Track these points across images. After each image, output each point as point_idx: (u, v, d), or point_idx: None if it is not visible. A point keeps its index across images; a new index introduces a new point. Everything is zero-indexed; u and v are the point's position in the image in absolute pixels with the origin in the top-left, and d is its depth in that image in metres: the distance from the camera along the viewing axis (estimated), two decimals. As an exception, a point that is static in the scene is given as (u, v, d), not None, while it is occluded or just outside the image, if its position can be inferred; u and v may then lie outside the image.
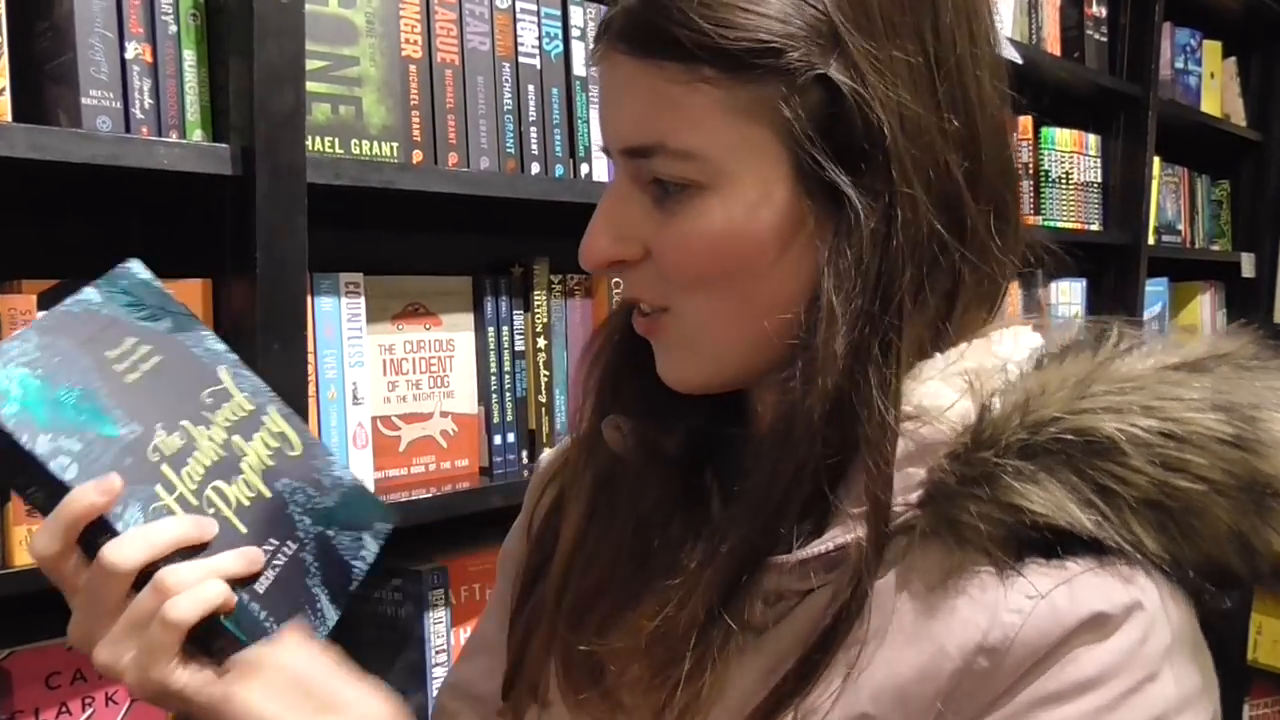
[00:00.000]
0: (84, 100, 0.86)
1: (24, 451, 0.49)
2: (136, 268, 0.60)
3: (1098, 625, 0.46)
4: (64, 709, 0.88)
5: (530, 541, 0.66)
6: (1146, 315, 2.39)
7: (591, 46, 0.56)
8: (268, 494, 0.57)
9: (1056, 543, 0.47)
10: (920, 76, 0.50)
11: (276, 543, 0.56)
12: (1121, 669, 0.46)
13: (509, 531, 0.73)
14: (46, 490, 0.50)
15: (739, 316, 0.53)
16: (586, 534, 0.60)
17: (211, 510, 0.53)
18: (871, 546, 0.48)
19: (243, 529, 0.54)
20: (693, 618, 0.51)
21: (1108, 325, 0.53)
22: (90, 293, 0.57)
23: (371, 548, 0.61)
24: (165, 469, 0.53)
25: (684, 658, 0.51)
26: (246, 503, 0.56)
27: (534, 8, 1.19)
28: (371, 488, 1.09)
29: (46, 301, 0.87)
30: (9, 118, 0.82)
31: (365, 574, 0.60)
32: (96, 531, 0.50)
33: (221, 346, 0.62)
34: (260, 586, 0.53)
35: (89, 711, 0.89)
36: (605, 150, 0.56)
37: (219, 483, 0.55)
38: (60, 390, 0.51)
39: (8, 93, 0.82)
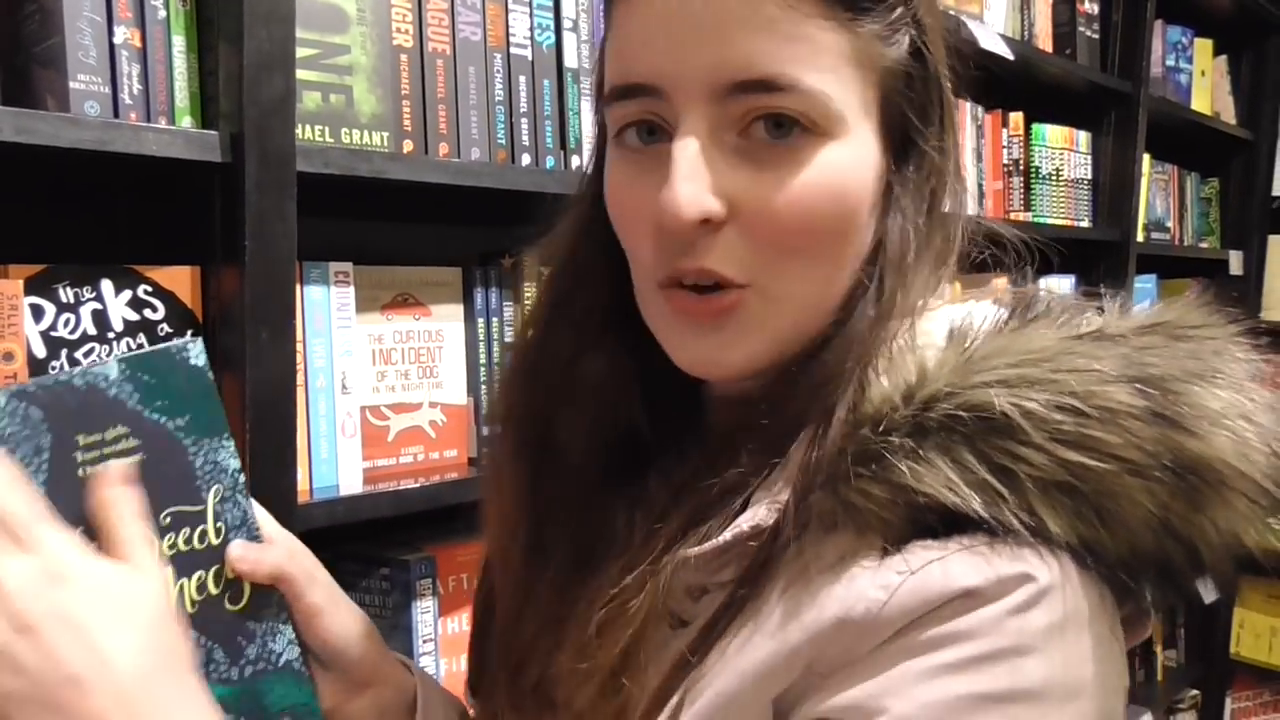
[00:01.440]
0: (72, 85, 0.86)
1: None
2: (195, 350, 0.55)
3: (967, 600, 0.43)
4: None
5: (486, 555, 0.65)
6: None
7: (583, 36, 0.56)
8: None
9: (952, 527, 0.44)
10: (946, 43, 0.53)
11: None
12: (988, 631, 0.42)
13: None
14: None
15: (828, 283, 0.50)
16: (524, 554, 0.58)
17: None
18: (770, 531, 0.47)
19: None
20: (641, 627, 0.50)
21: (1028, 297, 0.50)
22: (111, 368, 0.52)
23: None
24: None
25: (612, 655, 0.50)
26: None
27: (526, -2, 1.19)
28: (360, 478, 1.09)
29: (34, 287, 0.86)
30: (-4, 101, 0.81)
31: None
32: None
33: (234, 464, 0.56)
34: None
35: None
36: (634, 90, 0.49)
37: None
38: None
39: (-5, 76, 0.81)
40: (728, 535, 0.48)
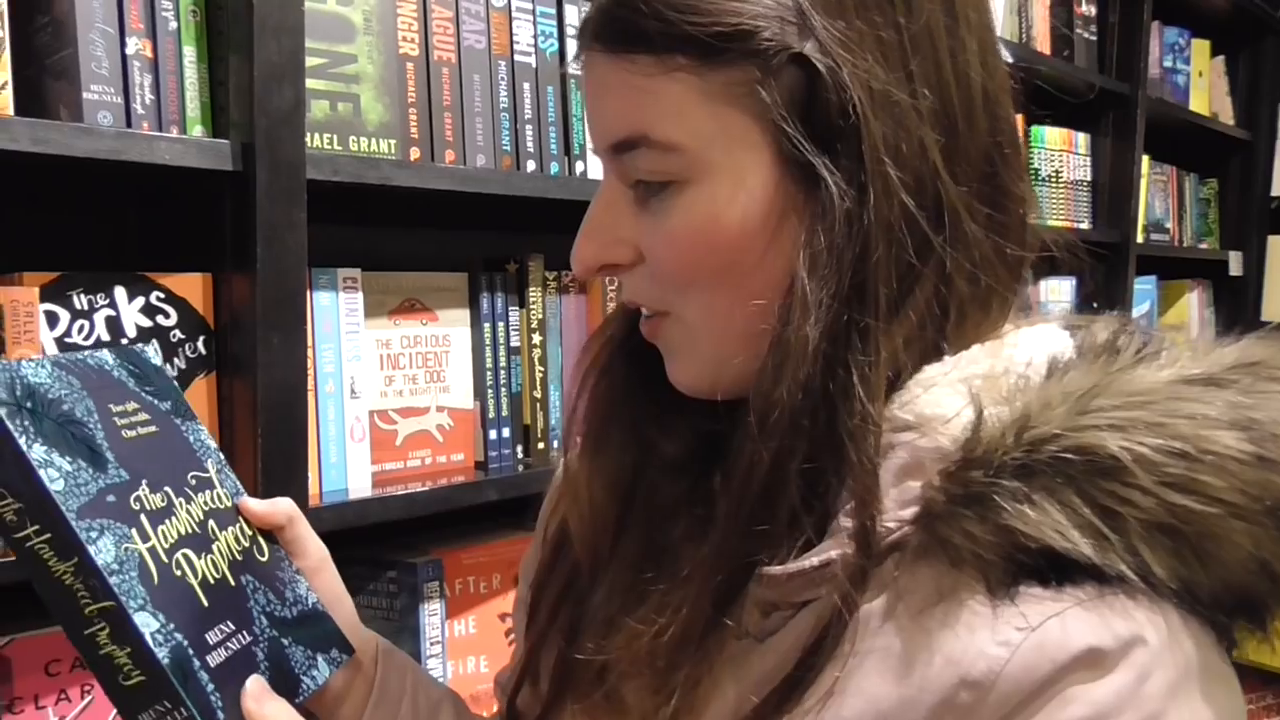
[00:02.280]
0: (85, 95, 0.87)
1: (15, 453, 0.48)
2: (150, 352, 0.62)
3: (1092, 662, 0.43)
4: (63, 696, 0.89)
5: (545, 551, 0.65)
6: (1135, 313, 2.41)
7: (573, 52, 0.57)
8: (232, 582, 0.56)
9: (1055, 568, 0.44)
10: (891, 51, 0.48)
11: (233, 627, 0.55)
12: (1119, 709, 0.42)
13: (532, 543, 0.72)
14: (25, 500, 0.49)
15: (735, 312, 0.51)
16: (595, 545, 0.59)
17: (179, 573, 0.53)
18: (856, 563, 0.46)
19: (205, 602, 0.54)
20: (687, 623, 0.50)
21: (1128, 330, 0.50)
22: (105, 355, 0.58)
23: (324, 670, 0.60)
24: (143, 519, 0.53)
25: (681, 663, 0.50)
26: (211, 581, 0.55)
27: (529, 6, 1.20)
28: (369, 481, 1.10)
29: (49, 294, 0.88)
30: (11, 112, 0.82)
31: (310, 694, 0.58)
32: (56, 536, 0.49)
33: (213, 444, 0.62)
34: (212, 659, 0.52)
35: (88, 699, 0.90)
36: (595, 152, 0.56)
37: (189, 551, 0.54)
38: (63, 414, 0.51)
39: (9, 87, 0.83)
40: (814, 560, 0.48)
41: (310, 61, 0.99)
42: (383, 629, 1.17)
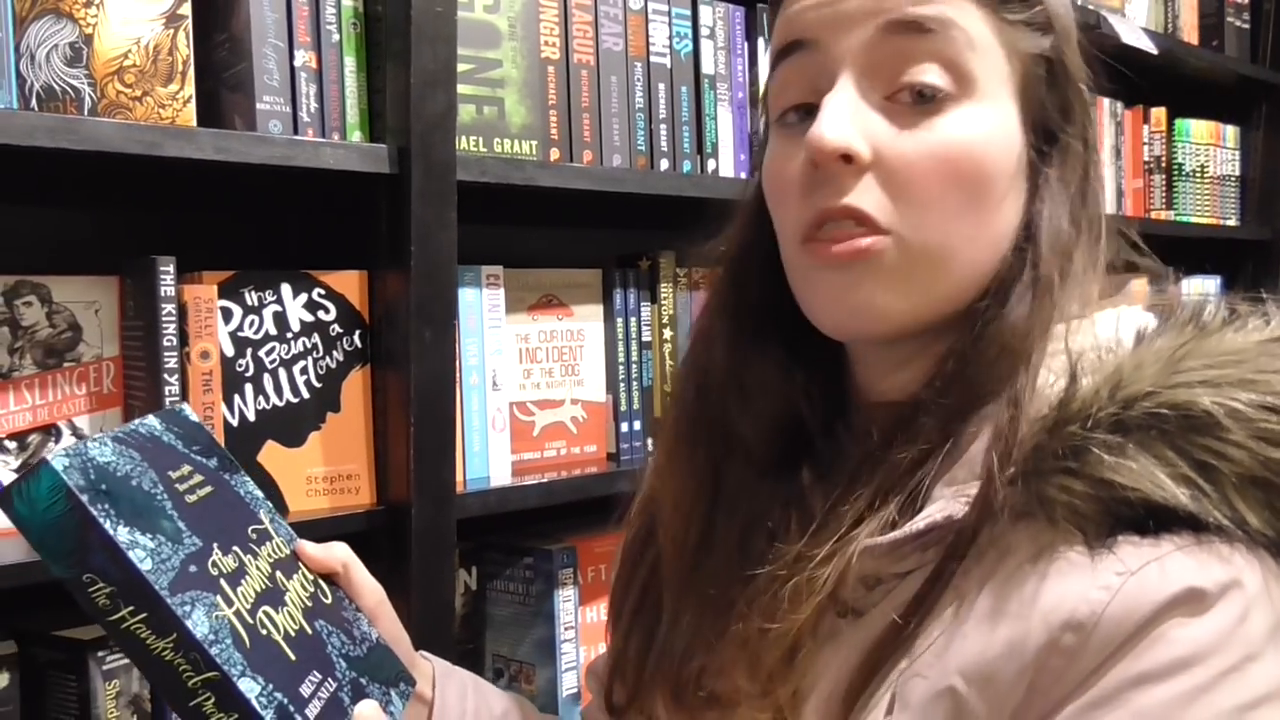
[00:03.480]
0: (258, 106, 0.93)
1: (102, 539, 0.48)
2: (188, 410, 0.62)
3: (1191, 600, 0.44)
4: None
5: (634, 549, 0.66)
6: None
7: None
8: (309, 630, 0.57)
9: (1150, 519, 0.46)
10: (1080, 45, 0.56)
11: (320, 677, 0.55)
12: (1219, 647, 0.44)
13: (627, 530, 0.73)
14: (117, 583, 0.48)
15: (969, 244, 0.52)
16: (690, 545, 0.60)
17: (264, 632, 0.53)
18: (968, 522, 0.48)
19: (292, 656, 0.54)
20: (794, 600, 0.51)
21: (1210, 300, 0.52)
22: (153, 421, 0.58)
23: (399, 705, 0.60)
24: (224, 584, 0.53)
25: (784, 640, 0.52)
26: (293, 634, 0.55)
27: (665, 8, 1.23)
28: (509, 470, 1.15)
29: (224, 292, 0.95)
30: (195, 124, 0.89)
31: None
32: (153, 615, 0.48)
33: (260, 494, 0.63)
34: (310, 711, 0.52)
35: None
36: (810, 47, 0.53)
37: (268, 608, 0.54)
38: (135, 490, 0.51)
39: (193, 101, 0.89)
40: (920, 525, 0.49)
41: (459, 67, 1.04)
42: (518, 614, 1.22)
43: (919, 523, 0.50)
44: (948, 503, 0.50)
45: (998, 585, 0.48)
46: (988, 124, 0.52)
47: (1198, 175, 2.08)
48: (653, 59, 1.22)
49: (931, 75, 0.51)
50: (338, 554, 0.63)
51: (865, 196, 0.51)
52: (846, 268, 0.52)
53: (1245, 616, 0.44)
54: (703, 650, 0.57)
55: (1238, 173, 2.17)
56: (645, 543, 0.65)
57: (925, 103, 0.51)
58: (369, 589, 0.65)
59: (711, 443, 0.60)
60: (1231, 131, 2.15)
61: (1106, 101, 1.91)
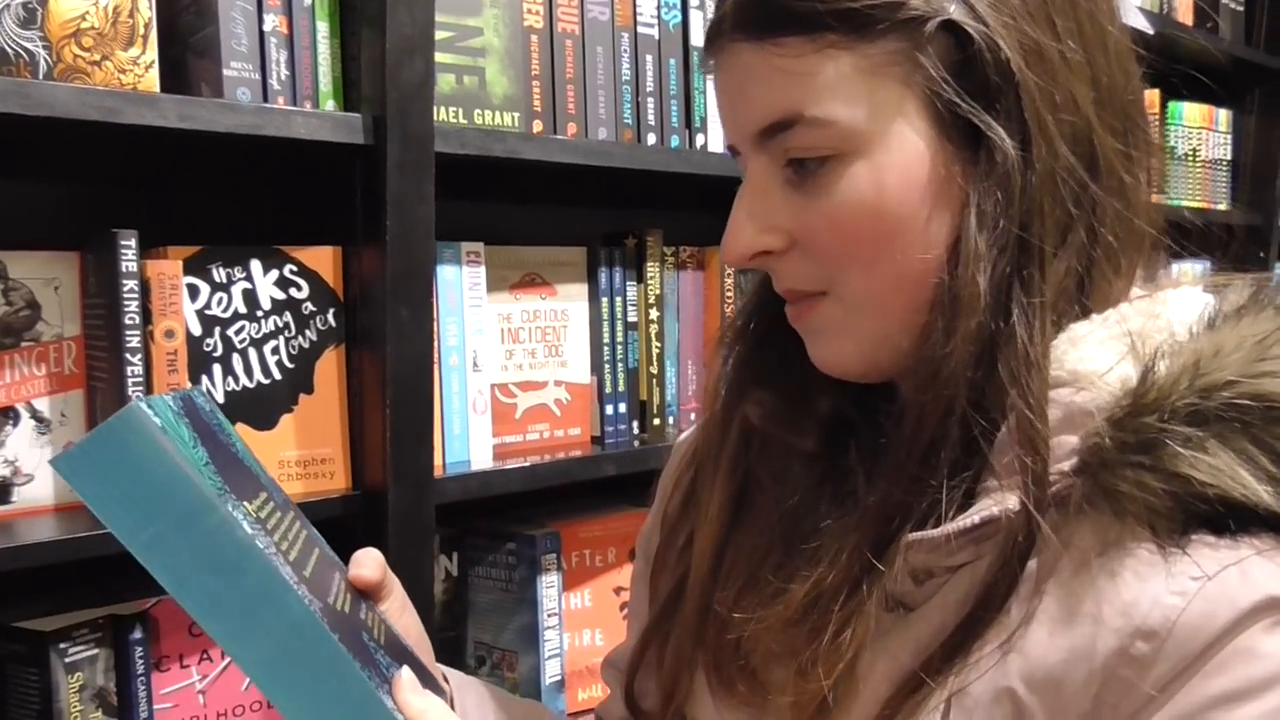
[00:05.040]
0: (225, 72, 0.89)
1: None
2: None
3: (1273, 610, 0.42)
4: (205, 656, 0.92)
5: (664, 531, 0.65)
6: (1276, 298, 2.29)
7: (703, 54, 0.56)
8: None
9: (1229, 517, 0.44)
10: (1035, 8, 0.50)
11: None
12: None
13: (649, 516, 0.71)
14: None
15: (900, 280, 0.51)
16: (728, 526, 0.59)
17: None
18: (1030, 511, 0.46)
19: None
20: (838, 583, 0.50)
21: (1272, 286, 0.49)
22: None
23: None
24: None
25: (829, 626, 0.50)
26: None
27: (653, -22, 1.19)
28: (490, 453, 1.11)
29: (190, 268, 0.90)
30: (158, 90, 0.85)
31: None
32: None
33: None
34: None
35: (228, 660, 0.93)
36: (731, 149, 0.55)
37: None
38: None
39: (156, 66, 0.85)
40: (974, 519, 0.47)
41: (438, 35, 1.00)
42: (500, 601, 1.19)
43: (973, 516, 0.48)
44: (1003, 494, 0.47)
45: (1062, 584, 0.46)
46: (880, 170, 0.50)
47: (1190, 159, 2.06)
48: (640, 29, 1.18)
49: (812, 151, 0.51)
50: (375, 562, 0.59)
51: (794, 275, 0.54)
52: (805, 327, 0.55)
53: None
54: (744, 625, 0.55)
55: (1229, 157, 2.15)
56: (683, 515, 0.63)
57: (817, 171, 0.51)
58: (396, 592, 0.62)
59: (748, 427, 0.58)
60: (1224, 115, 2.13)
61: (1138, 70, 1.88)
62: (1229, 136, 2.15)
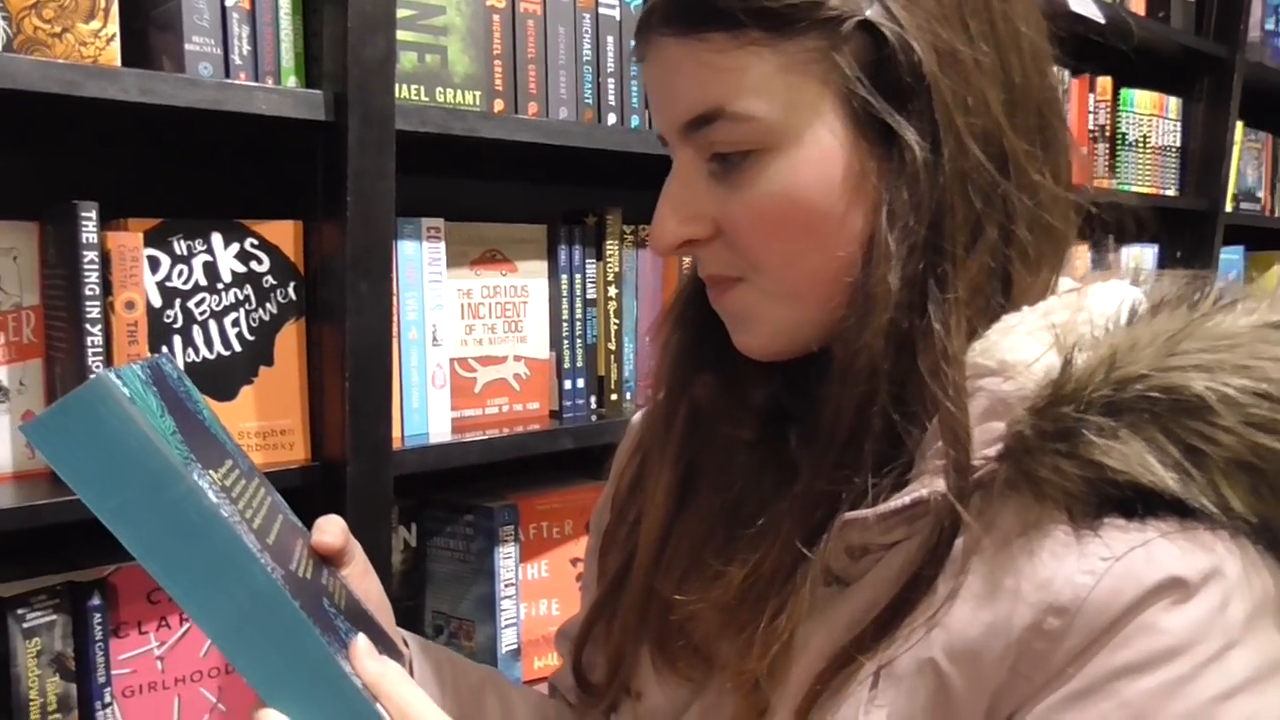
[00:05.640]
0: (187, 46, 0.90)
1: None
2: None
3: (1174, 589, 0.45)
4: (164, 623, 0.94)
5: (614, 511, 0.67)
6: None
7: (634, 46, 0.56)
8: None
9: (1139, 502, 0.46)
10: (949, 11, 0.51)
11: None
12: (1201, 636, 0.44)
13: (603, 493, 0.73)
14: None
15: (816, 274, 0.53)
16: (672, 511, 0.61)
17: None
18: (951, 498, 0.48)
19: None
20: (775, 565, 0.52)
21: (1207, 280, 0.51)
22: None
23: None
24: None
25: (768, 606, 0.52)
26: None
27: (615, -41, 1.20)
28: (449, 426, 1.13)
29: (151, 240, 0.91)
30: (119, 63, 0.85)
31: None
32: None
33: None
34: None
35: (186, 626, 0.94)
36: (660, 140, 0.57)
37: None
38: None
39: (117, 39, 0.85)
40: (906, 499, 0.49)
41: (400, 13, 1.00)
42: (458, 571, 1.21)
43: (903, 498, 0.50)
44: (933, 478, 0.49)
45: (984, 561, 0.48)
46: (798, 168, 0.51)
47: (1140, 145, 2.10)
48: (601, 10, 1.20)
49: (734, 146, 0.52)
50: (337, 528, 0.61)
51: (716, 262, 0.56)
52: (724, 310, 0.57)
53: (1225, 605, 0.45)
54: (685, 608, 0.57)
55: (1179, 144, 2.20)
56: (631, 496, 0.65)
57: (740, 164, 0.53)
58: (358, 558, 0.63)
59: (693, 406, 0.60)
60: (1174, 103, 2.17)
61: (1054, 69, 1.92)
62: (1178, 124, 2.20)
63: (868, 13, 0.50)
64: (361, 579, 0.62)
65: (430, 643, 0.69)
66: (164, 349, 0.61)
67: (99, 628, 0.89)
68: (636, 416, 0.72)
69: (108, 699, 0.90)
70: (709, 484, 0.60)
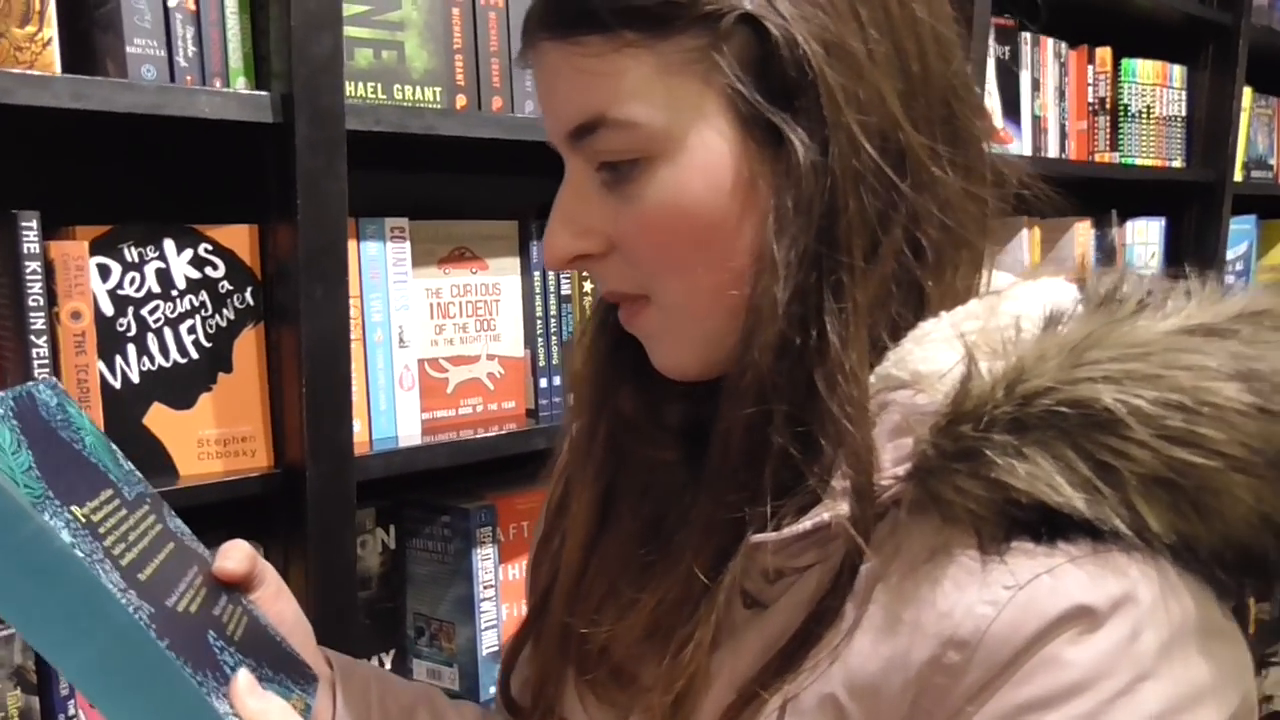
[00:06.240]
0: (129, 49, 0.88)
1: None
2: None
3: (1081, 618, 0.42)
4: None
5: (545, 526, 0.64)
6: (1230, 254, 2.29)
7: (519, 52, 0.53)
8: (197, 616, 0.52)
9: (1045, 524, 0.44)
10: (839, 0, 0.48)
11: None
12: (1109, 670, 0.42)
13: (543, 504, 0.70)
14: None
15: (715, 289, 0.50)
16: (593, 535, 0.58)
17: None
18: (852, 522, 0.46)
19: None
20: (682, 594, 0.50)
21: (1132, 279, 0.48)
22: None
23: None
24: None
25: (677, 633, 0.50)
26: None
27: (579, -55, 1.17)
28: (419, 429, 1.11)
29: (100, 248, 0.90)
30: (57, 67, 0.84)
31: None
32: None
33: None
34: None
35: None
36: (553, 144, 0.54)
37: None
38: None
39: (55, 42, 0.84)
40: (807, 524, 0.47)
41: (354, 9, 0.99)
42: (437, 572, 1.20)
43: (805, 523, 0.47)
44: (840, 499, 0.47)
45: (889, 590, 0.46)
46: (685, 176, 0.48)
47: (1143, 116, 2.05)
48: None
49: (619, 154, 0.49)
50: (242, 553, 0.58)
51: (614, 277, 0.53)
52: (636, 332, 0.54)
53: (1137, 634, 0.42)
54: (608, 629, 0.56)
55: (1184, 113, 2.15)
56: (559, 514, 0.63)
57: (629, 174, 0.49)
58: (270, 575, 0.61)
59: (612, 423, 0.58)
60: (1179, 71, 2.12)
61: (1050, 41, 1.88)
62: (1183, 93, 2.14)
63: (748, 6, 0.47)
64: (273, 602, 0.60)
65: (359, 662, 0.67)
66: (49, 375, 0.59)
67: (61, 642, 0.89)
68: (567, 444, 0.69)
69: (71, 711, 0.90)
70: (627, 507, 0.58)
